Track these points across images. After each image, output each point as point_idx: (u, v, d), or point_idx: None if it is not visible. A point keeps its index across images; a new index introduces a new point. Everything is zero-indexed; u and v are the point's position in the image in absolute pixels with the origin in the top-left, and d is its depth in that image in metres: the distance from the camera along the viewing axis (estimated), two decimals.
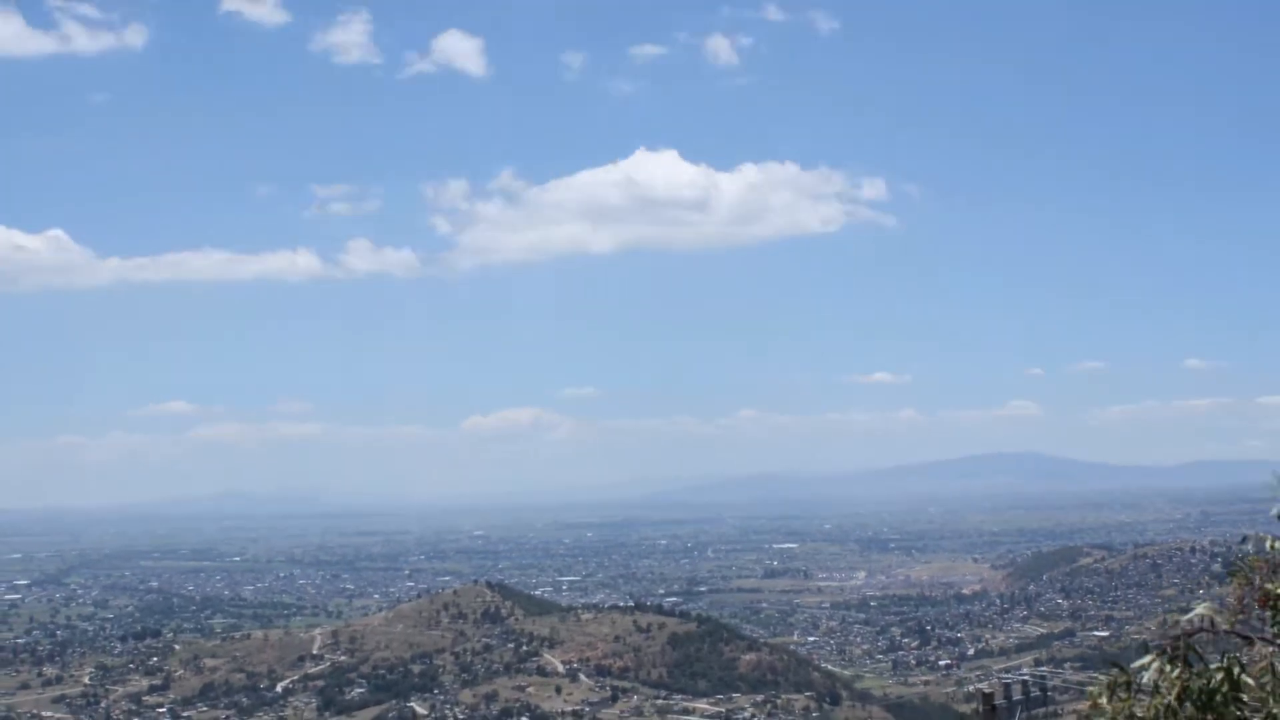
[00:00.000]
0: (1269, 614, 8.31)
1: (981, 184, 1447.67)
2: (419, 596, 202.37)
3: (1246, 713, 7.93)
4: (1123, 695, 8.23)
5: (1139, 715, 8.16)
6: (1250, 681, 7.96)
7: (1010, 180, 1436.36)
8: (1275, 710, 7.95)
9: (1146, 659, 8.11)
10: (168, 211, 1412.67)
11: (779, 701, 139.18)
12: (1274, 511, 9.02)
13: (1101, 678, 8.42)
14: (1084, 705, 8.57)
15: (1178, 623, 8.28)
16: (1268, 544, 8.65)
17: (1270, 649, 8.11)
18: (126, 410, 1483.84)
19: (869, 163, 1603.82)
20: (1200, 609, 8.36)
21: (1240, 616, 8.33)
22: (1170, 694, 7.94)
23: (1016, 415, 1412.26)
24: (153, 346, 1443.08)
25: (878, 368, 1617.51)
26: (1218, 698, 7.84)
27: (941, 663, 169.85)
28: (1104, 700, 8.29)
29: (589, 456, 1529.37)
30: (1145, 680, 8.07)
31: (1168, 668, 8.00)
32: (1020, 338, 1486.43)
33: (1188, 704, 7.95)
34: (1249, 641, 8.21)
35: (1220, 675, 7.90)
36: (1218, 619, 8.26)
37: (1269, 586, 8.32)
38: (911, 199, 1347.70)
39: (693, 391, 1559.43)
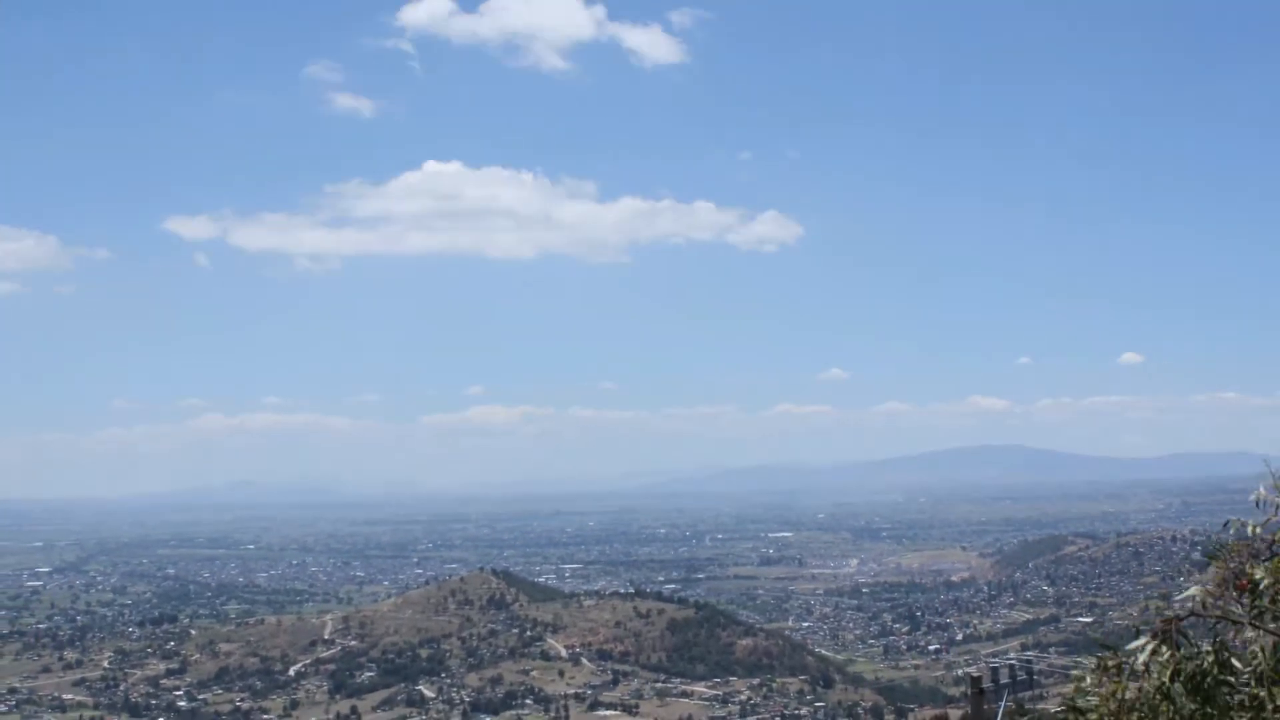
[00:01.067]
0: (1247, 598, 8.27)
1: (929, 181, 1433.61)
2: (427, 583, 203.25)
3: (1234, 696, 7.95)
4: (1113, 678, 8.17)
5: (1128, 698, 8.08)
6: (1239, 665, 7.97)
7: (971, 178, 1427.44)
8: (1261, 694, 7.93)
9: (1140, 641, 8.04)
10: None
11: (774, 685, 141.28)
12: (1252, 497, 8.91)
13: (1087, 661, 8.45)
14: (1069, 689, 8.53)
15: (1167, 607, 8.40)
16: (1248, 529, 8.69)
17: (1257, 633, 8.09)
18: (113, 406, 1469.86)
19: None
20: (1193, 590, 8.36)
21: (1219, 600, 8.35)
22: (1163, 675, 7.91)
23: (993, 410, 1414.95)
24: (135, 344, 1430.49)
25: (832, 364, 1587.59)
26: (1208, 680, 7.85)
27: (931, 647, 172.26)
28: (1089, 682, 8.27)
29: (574, 451, 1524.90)
30: (1140, 662, 7.99)
31: (1163, 648, 7.94)
32: (985, 333, 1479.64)
33: (1178, 685, 7.92)
34: (1236, 626, 8.19)
35: (1210, 658, 7.89)
36: (1209, 601, 8.29)
37: (1250, 569, 8.33)
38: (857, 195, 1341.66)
39: (663, 388, 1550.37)
